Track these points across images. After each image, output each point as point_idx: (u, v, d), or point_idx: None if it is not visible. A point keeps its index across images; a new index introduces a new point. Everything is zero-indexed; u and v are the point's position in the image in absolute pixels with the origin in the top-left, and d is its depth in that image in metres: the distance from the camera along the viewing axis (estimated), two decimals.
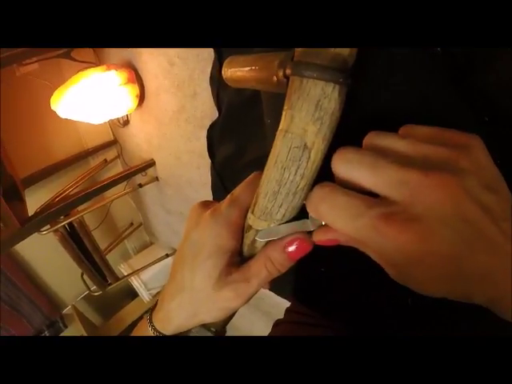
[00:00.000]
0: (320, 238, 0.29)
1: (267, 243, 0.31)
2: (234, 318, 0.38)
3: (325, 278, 0.48)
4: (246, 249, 0.33)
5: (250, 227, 0.31)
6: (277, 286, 0.58)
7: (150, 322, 0.36)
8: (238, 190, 0.33)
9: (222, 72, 0.45)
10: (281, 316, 0.57)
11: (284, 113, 0.27)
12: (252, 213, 0.31)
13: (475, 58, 0.29)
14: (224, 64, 0.45)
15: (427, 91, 0.31)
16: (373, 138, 0.26)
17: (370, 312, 0.44)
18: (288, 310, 0.58)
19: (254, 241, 0.32)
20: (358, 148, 0.25)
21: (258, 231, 0.31)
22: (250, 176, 0.33)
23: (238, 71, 0.42)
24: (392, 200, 0.23)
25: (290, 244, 0.30)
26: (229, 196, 0.33)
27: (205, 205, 0.34)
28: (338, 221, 0.25)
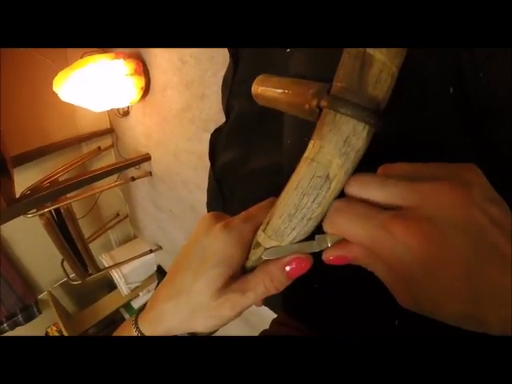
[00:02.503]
0: (330, 254, 0.29)
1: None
2: None
3: (317, 294, 0.48)
4: (250, 264, 0.34)
5: (259, 244, 0.32)
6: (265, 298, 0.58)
7: (136, 323, 0.35)
8: (254, 209, 0.34)
9: (252, 88, 0.46)
10: (263, 326, 0.56)
11: (312, 141, 0.28)
12: (263, 231, 0.32)
13: (488, 111, 0.30)
14: (255, 81, 0.45)
15: (440, 131, 0.33)
16: (383, 168, 0.28)
17: (356, 330, 0.44)
18: (275, 322, 0.58)
19: (260, 258, 0.33)
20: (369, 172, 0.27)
21: (266, 249, 0.32)
22: (268, 199, 0.35)
23: (269, 91, 0.43)
24: (402, 206, 0.24)
25: (290, 263, 0.31)
26: (244, 212, 0.34)
27: (217, 216, 0.35)
28: (351, 226, 0.26)
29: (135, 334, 0.35)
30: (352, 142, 0.26)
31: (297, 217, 0.29)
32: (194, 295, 0.32)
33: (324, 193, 0.28)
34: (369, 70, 0.25)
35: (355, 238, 0.26)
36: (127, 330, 0.36)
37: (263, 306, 0.62)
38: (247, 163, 0.84)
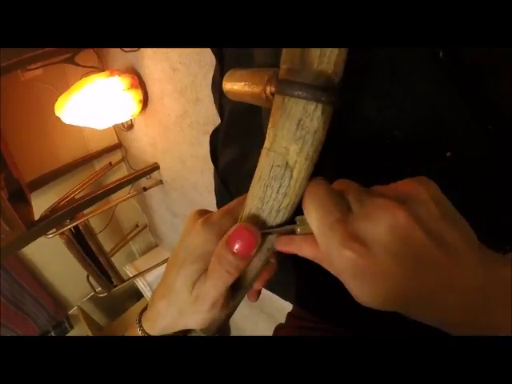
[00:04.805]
0: (279, 246, 0.29)
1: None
2: (238, 320, 0.38)
3: (323, 287, 0.48)
4: None
5: None
6: (280, 289, 0.58)
7: (139, 321, 0.36)
8: (233, 203, 0.34)
9: (223, 85, 0.45)
10: (284, 319, 0.57)
11: (268, 131, 0.27)
12: None
13: (485, 67, 0.28)
14: (224, 77, 0.45)
15: (433, 104, 0.31)
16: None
17: (370, 318, 0.44)
18: (290, 315, 0.58)
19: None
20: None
21: None
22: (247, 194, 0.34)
23: (234, 85, 0.42)
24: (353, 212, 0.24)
25: (233, 239, 0.29)
26: (224, 206, 0.34)
27: (201, 213, 0.35)
28: (313, 212, 0.25)
29: (139, 332, 0.35)
30: (306, 125, 0.24)
31: (264, 210, 0.28)
32: (178, 293, 0.32)
33: (287, 182, 0.26)
34: None
35: (312, 224, 0.26)
36: (133, 329, 0.36)
37: (287, 303, 0.63)
38: (247, 160, 0.84)
